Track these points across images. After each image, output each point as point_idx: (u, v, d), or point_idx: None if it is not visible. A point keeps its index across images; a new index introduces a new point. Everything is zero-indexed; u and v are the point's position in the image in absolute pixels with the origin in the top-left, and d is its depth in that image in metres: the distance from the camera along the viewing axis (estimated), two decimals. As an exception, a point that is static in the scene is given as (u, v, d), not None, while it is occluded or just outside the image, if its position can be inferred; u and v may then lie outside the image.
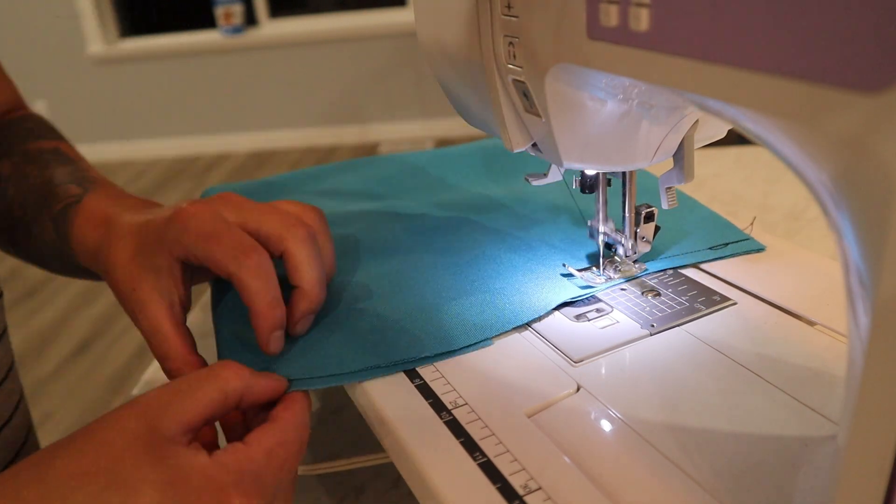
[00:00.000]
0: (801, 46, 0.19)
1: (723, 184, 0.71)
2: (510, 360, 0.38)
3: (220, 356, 0.40)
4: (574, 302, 0.42)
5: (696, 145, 0.38)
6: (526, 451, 0.31)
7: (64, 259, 0.47)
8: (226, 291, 0.45)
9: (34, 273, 2.34)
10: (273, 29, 3.48)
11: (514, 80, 0.35)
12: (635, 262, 0.45)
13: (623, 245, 0.44)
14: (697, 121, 0.37)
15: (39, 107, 3.65)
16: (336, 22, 3.43)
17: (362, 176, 0.64)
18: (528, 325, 0.41)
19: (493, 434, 0.32)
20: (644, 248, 0.44)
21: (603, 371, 0.37)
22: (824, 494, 0.28)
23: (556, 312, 0.42)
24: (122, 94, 3.61)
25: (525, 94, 0.35)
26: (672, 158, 0.39)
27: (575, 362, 0.37)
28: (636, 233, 0.43)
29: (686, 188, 0.55)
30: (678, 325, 0.40)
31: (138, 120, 3.65)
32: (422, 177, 0.63)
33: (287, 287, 0.39)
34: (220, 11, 3.41)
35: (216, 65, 3.51)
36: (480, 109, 0.41)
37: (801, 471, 0.30)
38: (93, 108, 3.65)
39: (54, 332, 2.22)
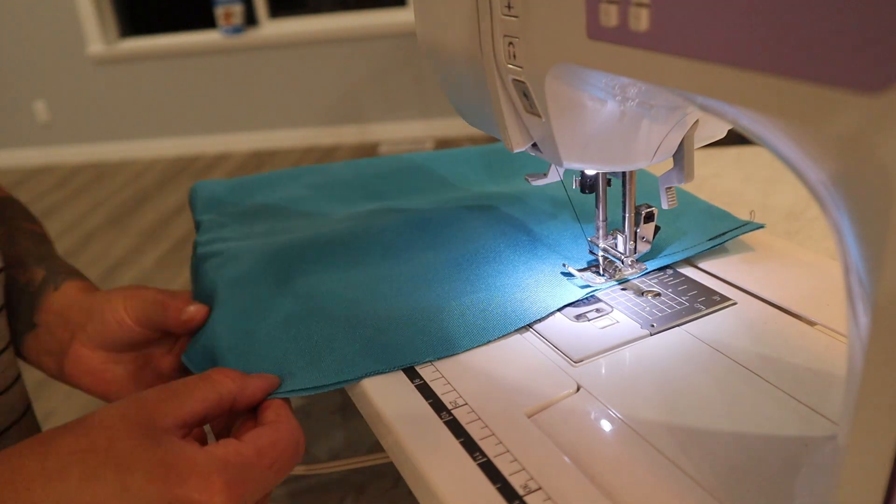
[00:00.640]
0: (802, 46, 0.19)
1: (723, 184, 0.71)
2: (510, 360, 0.38)
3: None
4: (574, 302, 0.42)
5: (696, 145, 0.38)
6: (526, 451, 0.31)
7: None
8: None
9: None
10: (273, 29, 3.48)
11: (514, 80, 0.35)
12: (635, 262, 0.45)
13: (622, 261, 0.44)
14: (697, 121, 0.37)
15: (39, 107, 3.65)
16: (336, 22, 3.43)
17: (362, 176, 0.64)
18: (528, 325, 0.41)
19: (493, 434, 0.32)
20: (644, 247, 0.44)
21: (603, 371, 0.37)
22: (824, 494, 0.28)
23: (557, 312, 0.42)
24: (121, 94, 3.61)
25: (525, 94, 0.35)
26: (672, 158, 0.39)
27: (575, 362, 0.37)
28: (636, 233, 0.43)
29: (686, 188, 0.55)
30: (678, 325, 0.40)
31: (138, 120, 3.65)
32: (422, 176, 0.63)
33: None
34: (220, 11, 3.41)
35: (216, 65, 3.51)
36: (480, 109, 0.41)
37: (801, 471, 0.30)
38: (93, 108, 3.65)
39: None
